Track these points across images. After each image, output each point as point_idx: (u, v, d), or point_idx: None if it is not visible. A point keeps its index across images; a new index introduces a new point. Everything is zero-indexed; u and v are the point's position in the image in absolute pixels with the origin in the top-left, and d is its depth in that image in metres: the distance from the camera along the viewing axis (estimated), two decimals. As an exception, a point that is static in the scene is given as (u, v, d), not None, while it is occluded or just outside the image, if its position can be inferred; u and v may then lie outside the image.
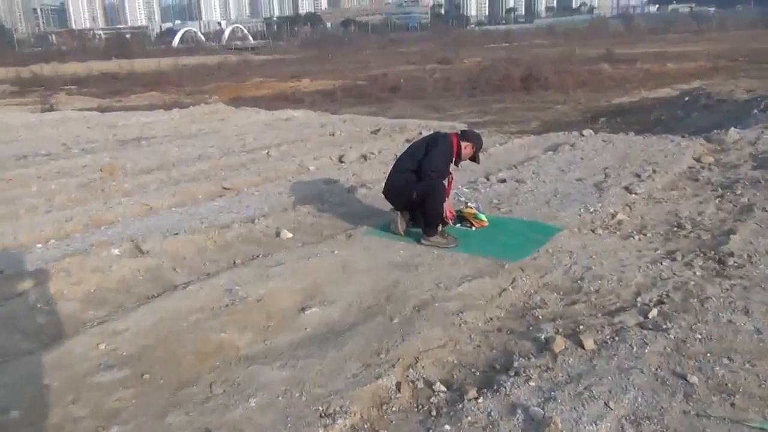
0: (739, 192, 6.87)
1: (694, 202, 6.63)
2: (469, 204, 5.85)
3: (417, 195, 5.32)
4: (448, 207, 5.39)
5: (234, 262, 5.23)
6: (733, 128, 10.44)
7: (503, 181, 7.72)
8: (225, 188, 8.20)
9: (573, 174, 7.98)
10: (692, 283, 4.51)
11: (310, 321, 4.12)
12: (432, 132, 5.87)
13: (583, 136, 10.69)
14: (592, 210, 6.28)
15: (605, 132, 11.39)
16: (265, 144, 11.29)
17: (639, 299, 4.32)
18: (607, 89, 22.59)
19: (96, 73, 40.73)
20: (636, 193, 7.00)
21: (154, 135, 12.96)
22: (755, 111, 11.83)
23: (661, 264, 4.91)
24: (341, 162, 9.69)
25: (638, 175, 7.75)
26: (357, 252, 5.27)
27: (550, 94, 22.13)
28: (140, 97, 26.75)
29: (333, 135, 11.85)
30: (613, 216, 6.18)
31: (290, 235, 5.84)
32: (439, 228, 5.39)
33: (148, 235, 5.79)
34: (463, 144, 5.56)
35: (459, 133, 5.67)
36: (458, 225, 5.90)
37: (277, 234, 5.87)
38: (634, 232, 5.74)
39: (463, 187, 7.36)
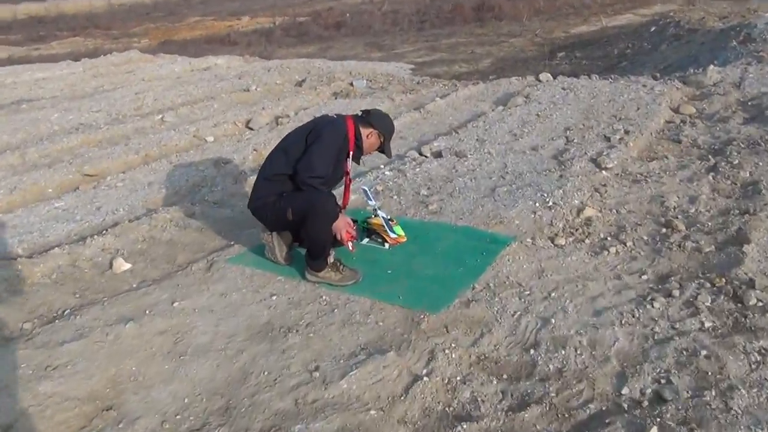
0: (735, 161, 5.21)
1: (683, 180, 4.95)
2: (378, 212, 4.05)
3: (293, 214, 3.52)
4: (345, 224, 3.60)
5: (21, 328, 3.40)
6: (711, 66, 8.71)
7: (439, 155, 5.93)
8: (87, 175, 6.27)
9: (527, 139, 6.22)
10: (703, 352, 2.85)
11: (80, 477, 2.37)
12: (320, 115, 3.98)
13: (539, 82, 8.88)
14: (551, 202, 4.55)
15: (565, 75, 9.55)
16: (165, 105, 9.28)
17: (625, 391, 2.67)
18: (565, 17, 20.59)
19: (23, 16, 37.02)
20: (606, 168, 5.30)
21: (41, 96, 10.76)
22: (734, 43, 10.08)
23: (652, 306, 3.25)
24: (248, 128, 7.77)
25: (607, 138, 6.03)
26: (207, 302, 3.50)
27: (504, 24, 20.05)
28: (62, 44, 23.91)
29: (248, 90, 9.82)
30: (580, 211, 4.47)
31: (127, 266, 4.02)
32: (331, 256, 3.61)
33: None
34: (364, 131, 3.73)
35: (358, 115, 3.81)
36: (366, 241, 4.14)
37: (110, 265, 4.03)
38: (609, 239, 4.06)
39: (386, 168, 5.55)
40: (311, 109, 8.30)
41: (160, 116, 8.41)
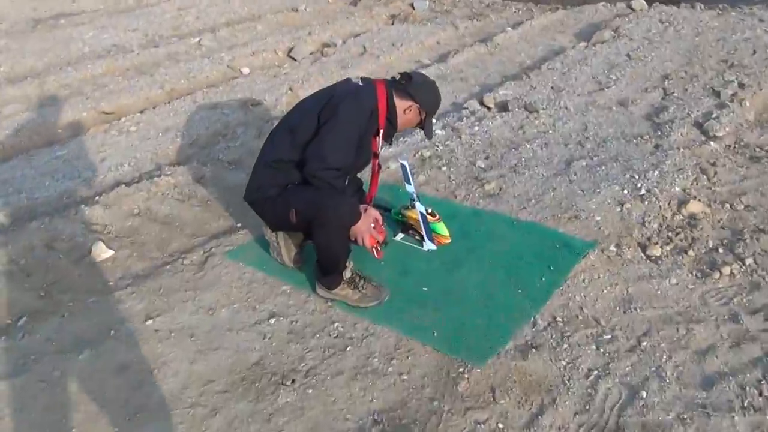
0: None
1: (818, 162, 3.79)
2: (414, 202, 3.09)
3: (297, 216, 2.64)
4: (369, 226, 2.70)
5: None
6: None
7: (504, 107, 4.86)
8: (103, 113, 5.52)
9: (614, 90, 5.06)
10: None
11: None
12: (342, 80, 2.92)
13: (632, 11, 7.47)
14: (643, 189, 3.52)
15: (663, 2, 8.03)
16: (206, 25, 8.36)
17: None
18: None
19: None
20: (716, 137, 4.16)
21: (82, 9, 10.00)
22: None
23: (788, 378, 2.27)
24: (290, 57, 6.81)
25: (716, 93, 4.83)
26: (189, 322, 2.72)
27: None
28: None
29: (296, 11, 8.76)
30: (682, 204, 3.42)
31: (109, 253, 3.28)
32: (348, 269, 2.74)
33: None
34: (401, 105, 2.76)
35: (395, 81, 2.80)
36: (400, 237, 3.24)
37: (90, 251, 3.29)
38: (720, 250, 3.05)
39: (438, 125, 4.55)
40: (363, 36, 7.23)
41: (197, 39, 7.52)
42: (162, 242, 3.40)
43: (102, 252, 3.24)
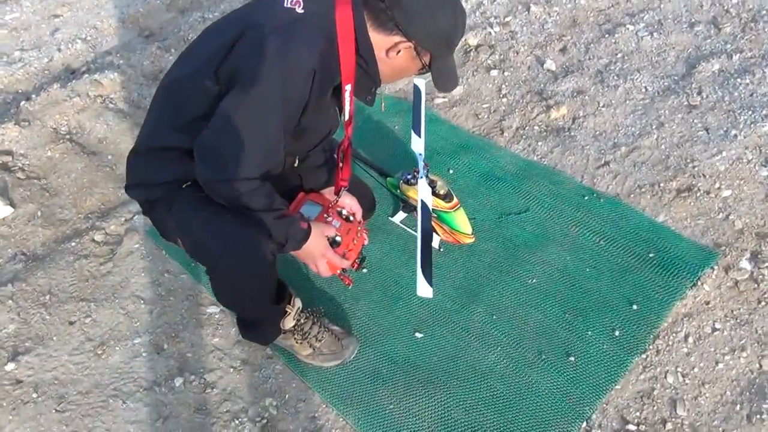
0: None
1: None
2: (421, 174, 1.84)
3: (186, 248, 1.52)
4: (324, 244, 1.55)
5: None
6: None
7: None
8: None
9: None
10: None
11: None
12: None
13: None
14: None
15: None
16: None
17: None
18: None
19: None
20: None
21: None
22: None
23: None
24: None
25: None
26: (65, 370, 1.83)
27: None
28: None
29: None
30: None
31: (7, 212, 2.34)
32: (291, 315, 1.66)
33: None
34: (381, 42, 1.41)
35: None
36: (399, 218, 2.07)
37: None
38: None
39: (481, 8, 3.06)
40: None
41: None
42: (80, 191, 2.40)
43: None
